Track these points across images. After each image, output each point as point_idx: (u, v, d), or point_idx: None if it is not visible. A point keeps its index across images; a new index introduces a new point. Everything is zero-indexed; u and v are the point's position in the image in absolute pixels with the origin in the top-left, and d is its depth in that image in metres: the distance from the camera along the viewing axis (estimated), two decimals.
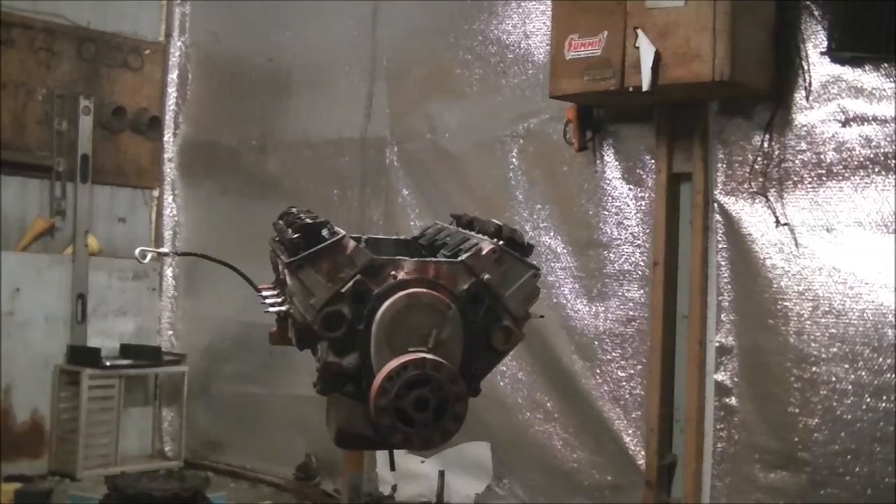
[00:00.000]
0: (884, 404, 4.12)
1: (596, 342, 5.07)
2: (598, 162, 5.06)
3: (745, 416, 4.54)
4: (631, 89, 4.34)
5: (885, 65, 4.17)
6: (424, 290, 1.92)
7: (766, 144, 4.47)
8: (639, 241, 4.94)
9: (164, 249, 7.09)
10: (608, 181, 5.04)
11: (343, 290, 1.89)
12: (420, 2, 5.98)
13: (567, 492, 5.16)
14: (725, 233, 4.62)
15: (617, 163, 5.01)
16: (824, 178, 4.33)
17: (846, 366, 4.22)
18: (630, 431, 4.93)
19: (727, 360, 4.61)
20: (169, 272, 7.37)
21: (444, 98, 5.84)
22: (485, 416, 5.23)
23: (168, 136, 7.41)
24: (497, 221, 2.11)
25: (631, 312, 4.96)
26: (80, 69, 6.95)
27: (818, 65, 4.36)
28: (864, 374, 4.18)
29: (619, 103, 4.85)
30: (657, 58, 4.23)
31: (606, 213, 5.04)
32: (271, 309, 2.12)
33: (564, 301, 5.15)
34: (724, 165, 4.64)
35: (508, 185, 5.47)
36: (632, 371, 4.95)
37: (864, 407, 4.17)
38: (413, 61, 6.06)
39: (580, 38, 4.52)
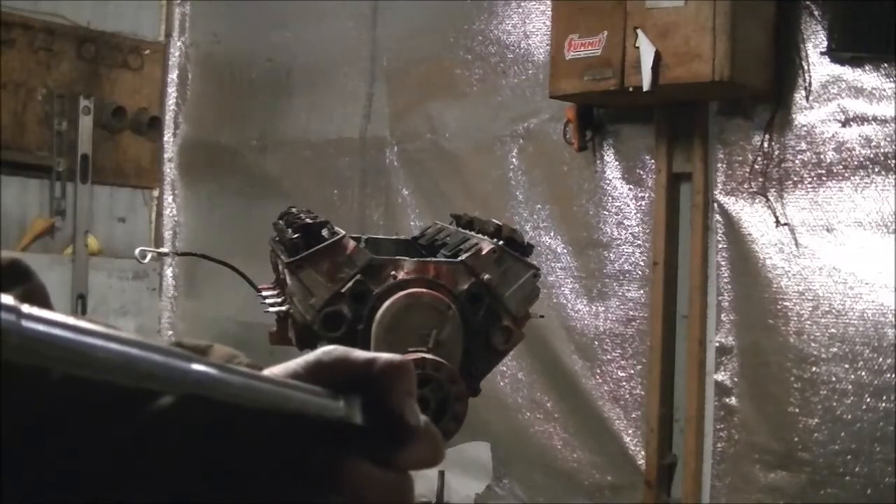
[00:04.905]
0: (884, 404, 4.11)
1: (596, 342, 5.07)
2: (598, 162, 5.05)
3: (745, 416, 4.54)
4: (631, 89, 4.34)
5: (885, 65, 4.16)
6: (424, 290, 1.92)
7: (766, 144, 4.47)
8: (639, 241, 4.93)
9: (164, 249, 7.09)
10: (608, 181, 5.04)
11: (343, 290, 1.89)
12: (420, 2, 5.98)
13: (567, 492, 5.16)
14: (725, 233, 4.62)
15: (617, 163, 5.01)
16: (824, 178, 4.33)
17: (846, 366, 4.22)
18: (630, 431, 4.93)
19: (727, 360, 4.60)
20: (169, 272, 7.37)
21: (444, 98, 5.84)
22: (485, 416, 5.23)
23: (168, 137, 7.41)
24: (497, 221, 2.11)
25: (631, 312, 4.96)
26: (80, 69, 6.95)
27: (818, 65, 4.35)
28: (864, 374, 4.18)
29: (619, 103, 4.84)
30: (657, 58, 4.23)
31: (606, 213, 5.04)
32: (271, 309, 2.12)
33: (564, 301, 5.15)
34: (724, 165, 4.64)
35: (508, 185, 5.46)
36: (632, 371, 4.95)
37: (864, 407, 4.16)
38: (413, 61, 6.05)
39: (580, 38, 4.52)
